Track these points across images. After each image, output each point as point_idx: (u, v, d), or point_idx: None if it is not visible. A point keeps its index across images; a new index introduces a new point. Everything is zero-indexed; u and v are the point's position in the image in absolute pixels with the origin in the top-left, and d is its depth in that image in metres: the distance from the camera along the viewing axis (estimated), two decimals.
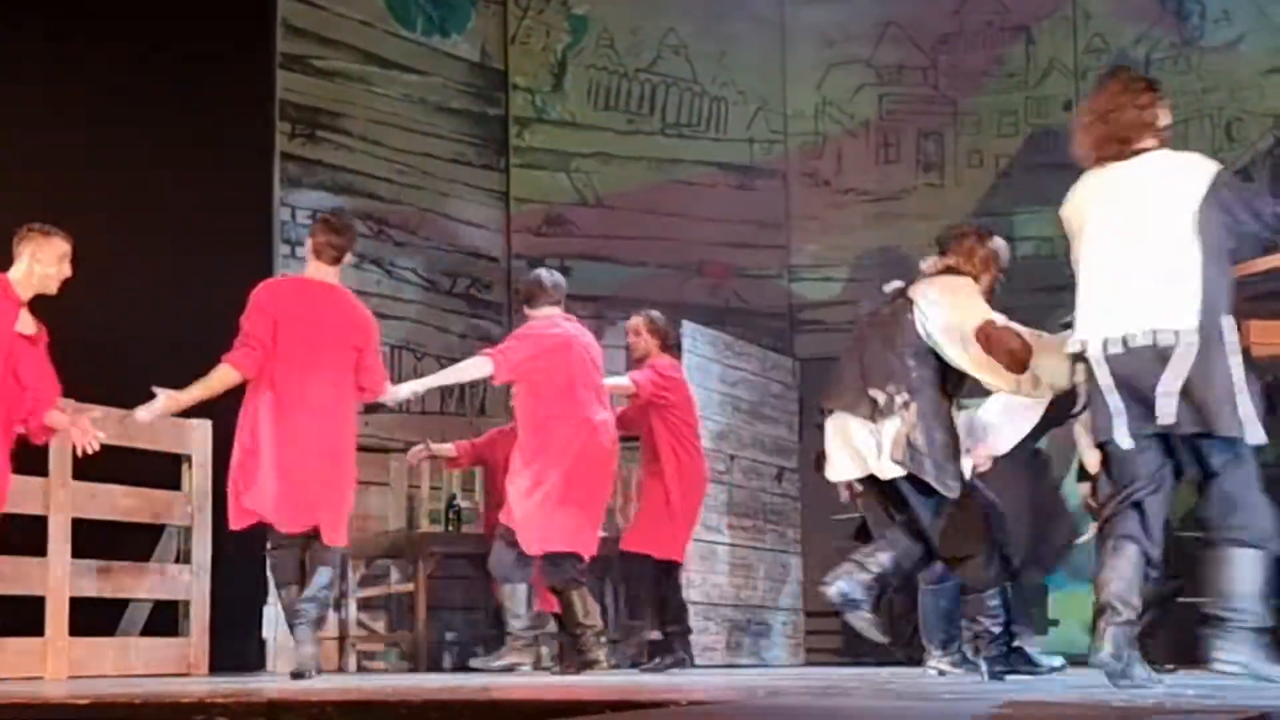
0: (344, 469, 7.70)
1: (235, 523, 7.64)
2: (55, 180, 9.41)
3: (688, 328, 10.78)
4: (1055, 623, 11.41)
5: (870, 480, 6.70)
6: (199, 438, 9.08)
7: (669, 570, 9.36)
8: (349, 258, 7.87)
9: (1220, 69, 12.19)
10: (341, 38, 11.35)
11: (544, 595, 9.25)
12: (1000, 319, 6.49)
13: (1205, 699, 4.56)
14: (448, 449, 10.02)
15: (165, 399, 7.44)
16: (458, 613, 11.03)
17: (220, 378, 7.51)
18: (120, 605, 8.96)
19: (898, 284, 6.83)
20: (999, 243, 6.99)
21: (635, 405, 9.30)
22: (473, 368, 8.71)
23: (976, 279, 6.75)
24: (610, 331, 10.69)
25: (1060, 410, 8.19)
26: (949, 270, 6.74)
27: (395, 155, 11.57)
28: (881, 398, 6.51)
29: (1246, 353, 5.97)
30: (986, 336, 6.37)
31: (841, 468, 6.76)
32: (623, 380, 9.33)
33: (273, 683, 7.54)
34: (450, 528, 10.58)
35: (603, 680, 7.81)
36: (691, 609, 10.45)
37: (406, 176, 11.64)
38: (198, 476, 9.08)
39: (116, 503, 8.57)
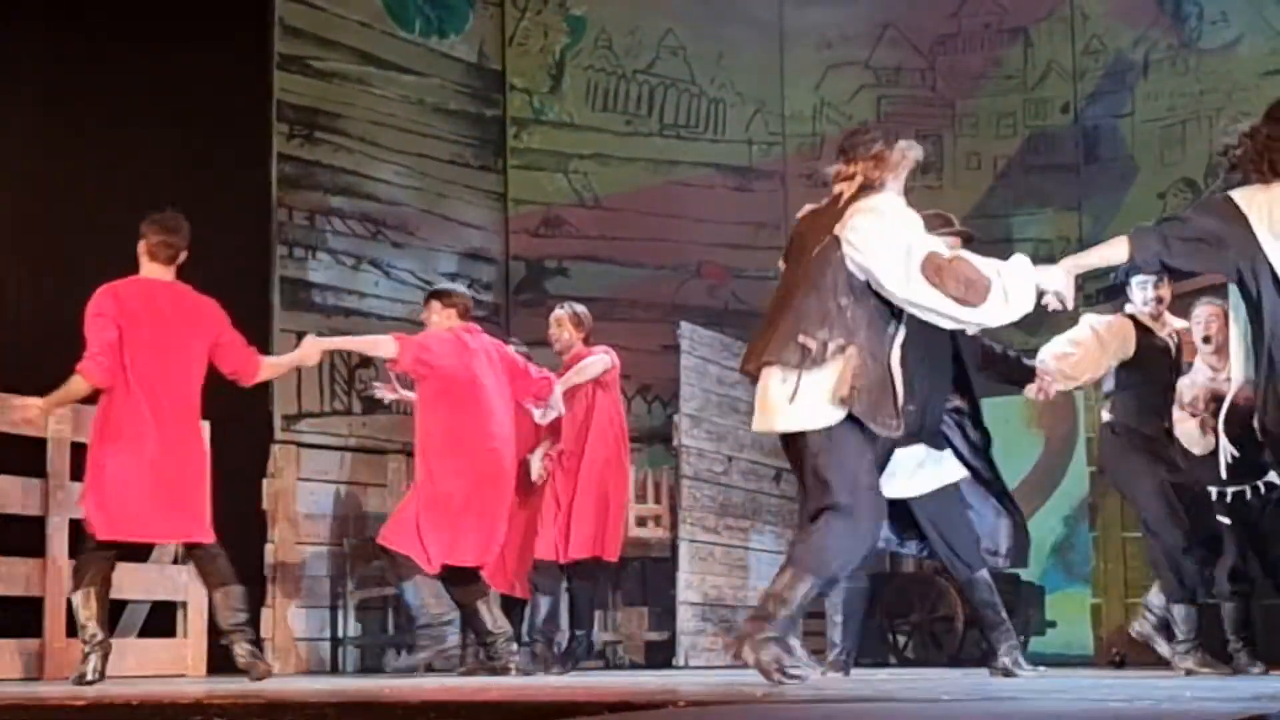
0: (201, 469, 7.76)
1: (100, 533, 7.52)
2: (53, 181, 9.42)
3: (685, 329, 10.78)
4: (1053, 624, 11.42)
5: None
6: None
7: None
8: (183, 255, 7.78)
9: (1218, 71, 12.20)
10: (339, 38, 11.35)
11: (516, 583, 9.30)
12: (943, 248, 6.13)
13: (1203, 701, 4.56)
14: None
15: (33, 409, 7.49)
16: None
17: (71, 388, 7.45)
18: (118, 606, 8.95)
19: (810, 207, 6.51)
20: (906, 142, 6.49)
21: (578, 388, 9.28)
22: (379, 344, 8.78)
23: (885, 185, 6.26)
24: (608, 332, 10.66)
25: (1164, 371, 8.27)
26: (862, 189, 6.23)
27: (393, 156, 11.57)
28: (813, 344, 6.02)
29: None
30: (937, 270, 5.99)
31: (768, 418, 6.23)
32: (601, 359, 9.36)
33: (271, 684, 7.54)
34: None
35: (601, 681, 7.82)
36: (690, 609, 10.47)
37: (404, 177, 11.63)
38: None
39: None
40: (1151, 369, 8.18)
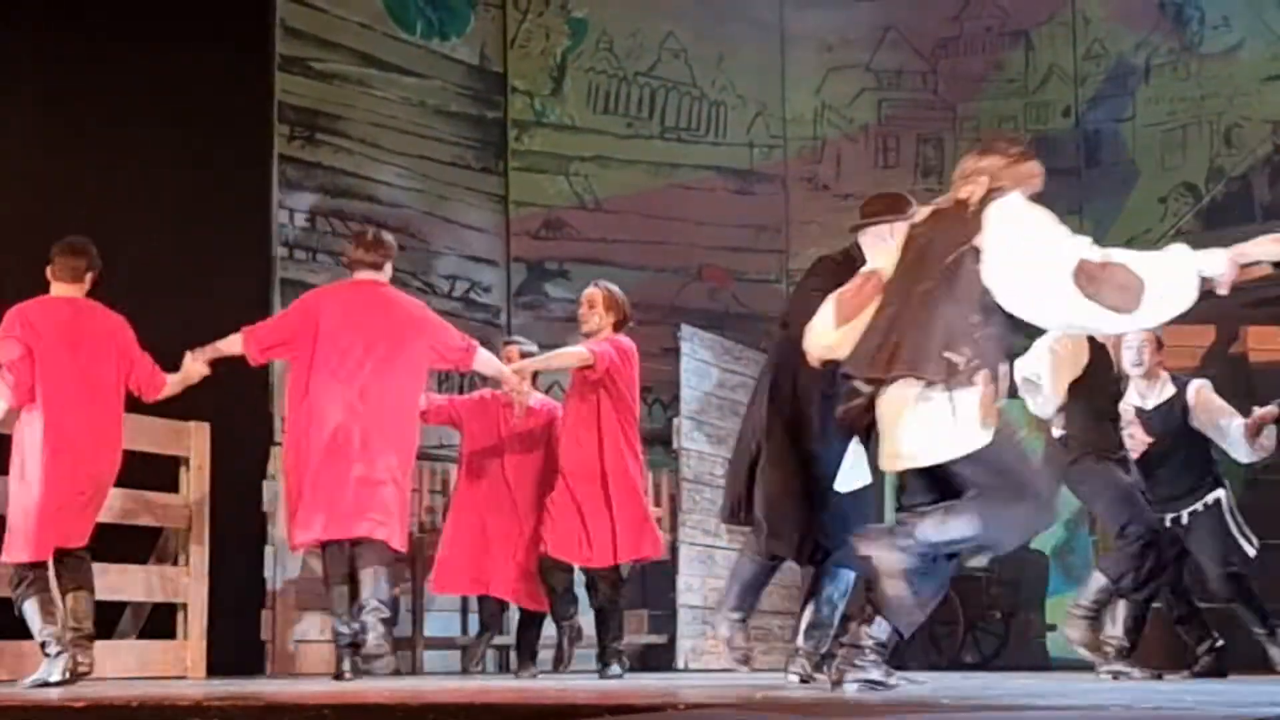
0: (104, 481, 7.67)
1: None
2: (54, 183, 9.42)
3: (686, 332, 10.78)
4: (1053, 627, 11.42)
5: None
6: (197, 441, 9.07)
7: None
8: (90, 279, 7.69)
9: (1219, 75, 12.20)
10: (340, 40, 11.34)
11: (533, 596, 9.01)
12: (1091, 249, 5.59)
13: (1204, 705, 4.56)
14: None
15: None
16: (456, 615, 11.02)
17: None
18: (118, 608, 8.95)
19: (924, 211, 5.98)
20: (1038, 166, 5.92)
21: (582, 383, 8.65)
22: (232, 343, 8.13)
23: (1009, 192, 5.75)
24: None
25: (1111, 380, 8.22)
26: (991, 192, 5.73)
27: (394, 158, 11.57)
28: (960, 361, 5.50)
29: (1243, 358, 5.94)
30: (1090, 279, 5.49)
31: (931, 449, 5.63)
32: (576, 350, 8.70)
33: (270, 686, 7.53)
34: None
35: (600, 684, 7.81)
36: (690, 613, 10.46)
37: (405, 179, 11.63)
38: (195, 479, 9.07)
39: (114, 505, 8.54)
40: (1101, 376, 8.14)
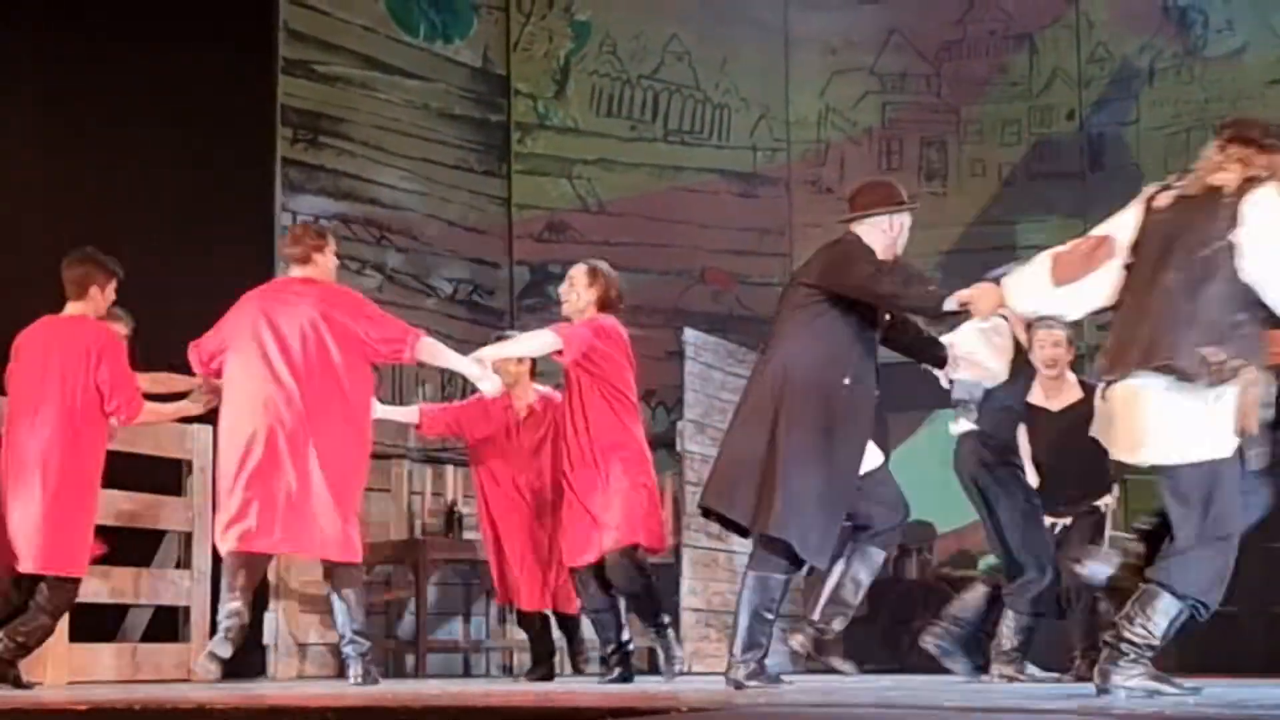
0: (79, 499, 7.49)
1: None
2: (56, 184, 9.42)
3: (689, 335, 10.76)
4: None
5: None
6: (201, 443, 9.07)
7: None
8: (97, 291, 7.56)
9: (1223, 79, 12.19)
10: (343, 43, 11.34)
11: (567, 596, 8.77)
12: None
13: (1207, 708, 4.54)
14: (409, 413, 9.04)
15: None
16: (458, 619, 11.01)
17: None
18: (121, 610, 8.94)
19: (1167, 196, 5.74)
20: None
21: (567, 372, 8.10)
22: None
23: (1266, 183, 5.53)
24: None
25: (1024, 379, 8.06)
26: (1249, 181, 5.52)
27: (397, 161, 11.57)
28: (1217, 359, 5.31)
29: None
30: None
31: (1172, 446, 5.47)
32: (539, 334, 8.13)
33: (273, 688, 7.52)
34: (451, 534, 10.57)
35: (603, 687, 7.80)
36: (693, 616, 10.44)
37: (408, 182, 11.63)
38: (199, 482, 9.07)
39: (117, 507, 8.56)
40: (1019, 376, 7.71)
